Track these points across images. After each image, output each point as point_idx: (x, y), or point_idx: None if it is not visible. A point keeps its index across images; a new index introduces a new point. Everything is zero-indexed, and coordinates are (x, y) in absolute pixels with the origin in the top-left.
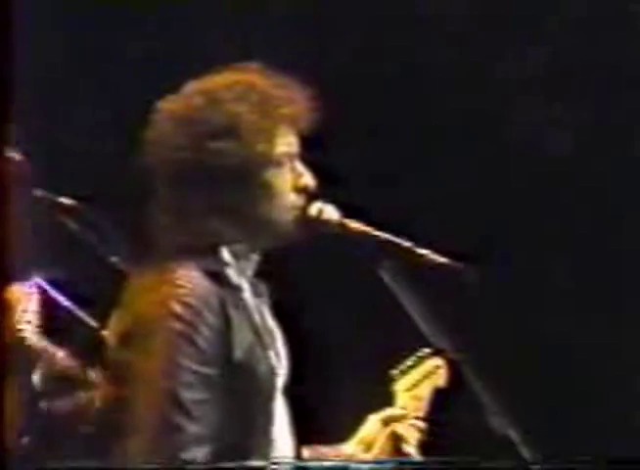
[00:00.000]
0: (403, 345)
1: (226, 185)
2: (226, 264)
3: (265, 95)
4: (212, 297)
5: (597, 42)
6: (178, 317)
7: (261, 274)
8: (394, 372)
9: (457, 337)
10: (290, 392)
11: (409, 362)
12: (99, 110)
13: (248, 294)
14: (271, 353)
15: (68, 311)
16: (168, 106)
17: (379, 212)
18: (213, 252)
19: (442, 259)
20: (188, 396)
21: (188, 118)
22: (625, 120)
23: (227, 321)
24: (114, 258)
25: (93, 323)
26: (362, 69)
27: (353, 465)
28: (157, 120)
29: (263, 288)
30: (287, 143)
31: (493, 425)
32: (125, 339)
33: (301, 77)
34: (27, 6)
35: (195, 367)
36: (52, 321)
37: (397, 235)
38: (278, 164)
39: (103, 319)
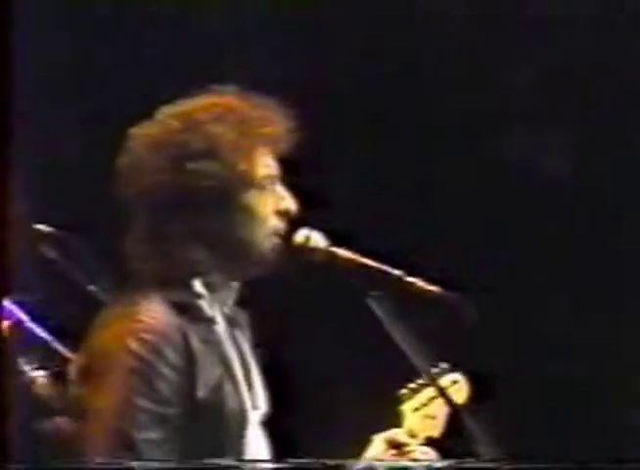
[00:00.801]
0: (393, 377)
1: (205, 209)
2: (198, 296)
3: (243, 115)
4: (174, 332)
5: (603, 44)
6: (134, 354)
7: (242, 303)
8: (402, 392)
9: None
10: (271, 425)
11: (421, 380)
12: (80, 137)
13: (221, 326)
14: (242, 388)
15: (44, 341)
16: (143, 131)
17: (367, 240)
18: (185, 283)
19: (434, 288)
20: (140, 436)
21: (165, 142)
22: (629, 125)
23: (190, 358)
24: (91, 288)
25: (68, 354)
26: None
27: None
28: (131, 147)
29: (244, 317)
30: (267, 164)
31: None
32: (82, 374)
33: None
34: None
35: (149, 406)
36: (26, 351)
37: (387, 263)
38: (259, 186)
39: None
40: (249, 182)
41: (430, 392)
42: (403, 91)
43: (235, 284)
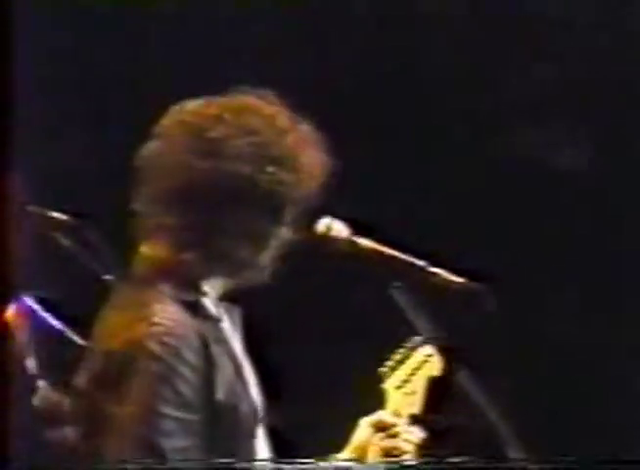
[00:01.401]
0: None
1: (264, 213)
2: (203, 294)
3: (304, 134)
4: (192, 333)
5: (605, 49)
6: (156, 358)
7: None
8: (383, 369)
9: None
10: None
11: (397, 357)
12: (96, 125)
13: (226, 324)
14: (251, 388)
15: (59, 333)
16: (211, 111)
17: (390, 229)
18: (191, 280)
19: (458, 279)
20: (168, 445)
21: (246, 134)
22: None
23: (208, 358)
24: (107, 277)
25: (82, 343)
26: (361, 73)
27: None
28: (195, 123)
29: (236, 313)
30: (312, 190)
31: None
32: (97, 381)
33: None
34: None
35: (175, 413)
36: (41, 344)
37: (410, 253)
38: (300, 206)
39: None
40: (299, 199)
41: (408, 367)
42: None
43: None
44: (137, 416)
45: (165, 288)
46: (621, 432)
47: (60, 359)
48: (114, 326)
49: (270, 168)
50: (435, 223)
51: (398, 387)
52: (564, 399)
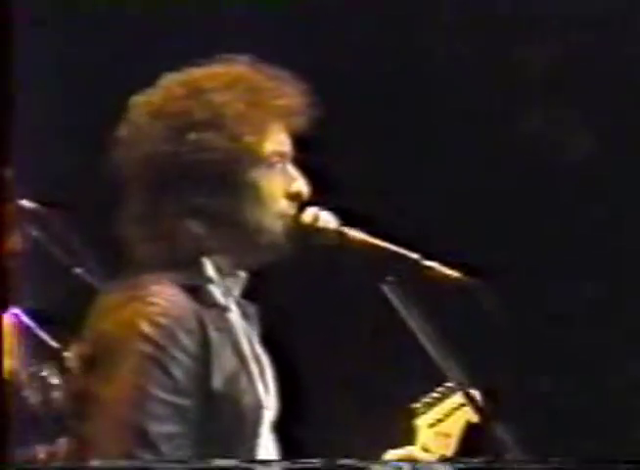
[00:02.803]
0: (413, 374)
1: (208, 185)
2: (209, 280)
3: (255, 85)
4: (189, 316)
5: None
6: (148, 339)
7: (250, 295)
8: (417, 406)
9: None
10: (280, 431)
11: (435, 394)
12: (67, 112)
13: (235, 315)
14: (258, 384)
15: (32, 332)
16: (145, 99)
17: (381, 220)
18: (194, 264)
19: (453, 273)
20: (156, 429)
21: (166, 109)
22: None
23: (206, 344)
24: (78, 270)
25: (54, 344)
26: (364, 67)
27: None
28: (131, 116)
29: (253, 311)
30: (278, 141)
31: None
32: (88, 363)
33: (300, 75)
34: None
35: (166, 397)
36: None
37: (403, 246)
38: (268, 163)
39: (66, 339)
40: (256, 158)
41: (445, 407)
42: (420, 71)
43: (242, 274)
44: (125, 398)
45: (165, 272)
46: (622, 432)
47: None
48: (107, 305)
49: (191, 136)
50: (430, 214)
51: (431, 425)
52: (564, 400)
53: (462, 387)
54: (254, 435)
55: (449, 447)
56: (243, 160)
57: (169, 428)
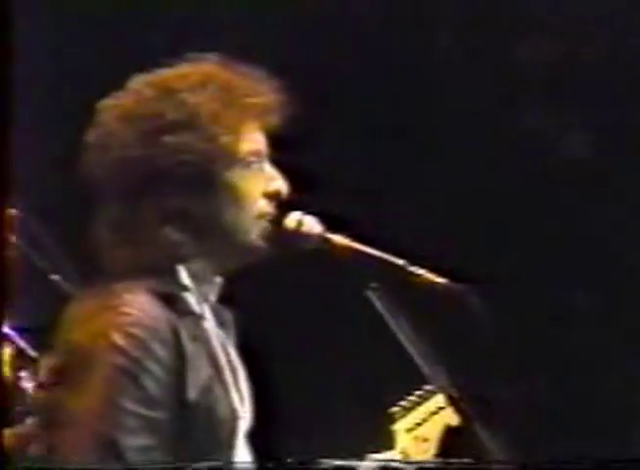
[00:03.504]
0: (397, 379)
1: (185, 188)
2: (184, 288)
3: (227, 84)
4: (163, 326)
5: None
6: (120, 351)
7: (225, 300)
8: (395, 410)
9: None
10: (253, 438)
11: (412, 398)
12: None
13: (210, 323)
14: (233, 394)
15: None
16: (113, 102)
17: (366, 225)
18: (169, 272)
19: (441, 280)
20: (128, 442)
21: (137, 112)
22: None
23: (180, 355)
24: (54, 277)
25: (33, 353)
26: (363, 67)
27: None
28: (100, 120)
29: (228, 316)
30: (253, 139)
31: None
32: (58, 373)
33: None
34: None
35: (138, 410)
36: None
37: (388, 252)
38: (244, 163)
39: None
40: (232, 158)
41: (423, 411)
42: (412, 69)
43: (218, 280)
44: (96, 410)
45: (136, 279)
46: (623, 432)
47: None
48: (78, 315)
49: (166, 138)
50: (416, 218)
51: (409, 430)
52: (564, 400)
53: (443, 389)
54: (230, 446)
55: (428, 452)
56: (219, 160)
57: (141, 441)
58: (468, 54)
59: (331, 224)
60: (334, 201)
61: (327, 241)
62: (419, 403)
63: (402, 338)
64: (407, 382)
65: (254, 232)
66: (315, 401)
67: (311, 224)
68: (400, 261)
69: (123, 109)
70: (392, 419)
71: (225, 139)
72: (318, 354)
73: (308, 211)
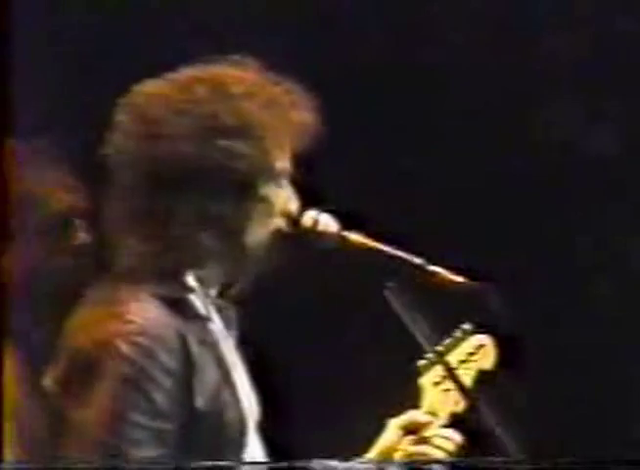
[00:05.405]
0: (413, 379)
1: (226, 194)
2: (190, 290)
3: (274, 96)
4: (170, 333)
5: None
6: (125, 359)
7: (247, 300)
8: (421, 363)
9: None
10: (269, 435)
11: (441, 348)
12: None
13: (216, 324)
14: (241, 394)
15: None
16: (158, 90)
17: (384, 223)
18: (177, 275)
19: (459, 278)
20: (136, 455)
21: (191, 109)
22: None
23: (188, 362)
24: None
25: None
26: (366, 61)
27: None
28: (142, 106)
29: (230, 311)
30: (287, 157)
31: None
32: (62, 383)
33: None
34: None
35: (145, 421)
36: None
37: (406, 250)
38: (277, 179)
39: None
40: (271, 172)
41: (452, 360)
42: (432, 61)
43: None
44: (102, 422)
45: (146, 283)
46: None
47: None
48: (83, 323)
49: (221, 142)
50: (435, 217)
51: (437, 383)
52: (567, 400)
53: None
54: (240, 446)
55: (459, 403)
56: (262, 173)
57: (148, 453)
58: (485, 49)
59: (347, 222)
60: (350, 199)
61: (344, 239)
62: (446, 353)
63: (420, 337)
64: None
65: (268, 248)
66: (328, 400)
67: (327, 223)
68: (418, 260)
69: (171, 100)
70: (418, 373)
71: (273, 153)
72: (334, 354)
73: (324, 210)
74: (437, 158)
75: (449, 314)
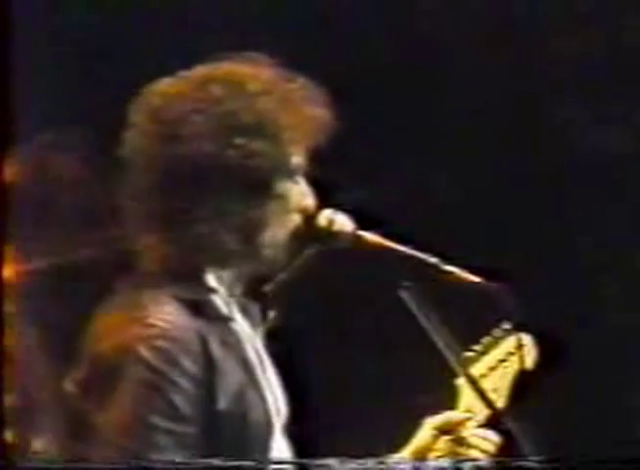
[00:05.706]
0: (431, 379)
1: (245, 192)
2: (212, 291)
3: (289, 93)
4: (191, 336)
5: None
6: (146, 364)
7: (253, 294)
8: (459, 360)
9: None
10: (291, 431)
11: (479, 347)
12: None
13: (239, 324)
14: (266, 394)
15: None
16: (174, 90)
17: (399, 223)
18: (195, 277)
19: (474, 278)
20: (157, 458)
21: (209, 109)
22: None
23: (210, 365)
24: None
25: None
26: (372, 60)
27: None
28: (159, 106)
29: (256, 310)
30: (303, 154)
31: None
32: (83, 388)
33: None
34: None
35: (167, 425)
36: None
37: (421, 250)
38: (293, 176)
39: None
40: (289, 169)
41: (489, 360)
42: (433, 61)
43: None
44: (124, 427)
45: (167, 286)
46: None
47: None
48: (105, 327)
49: (239, 140)
50: (451, 217)
51: (474, 382)
52: (569, 400)
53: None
54: (265, 447)
55: (496, 403)
56: (278, 171)
57: (170, 456)
58: (485, 49)
59: (363, 222)
60: (366, 199)
61: (359, 239)
62: (485, 352)
63: (435, 337)
64: (443, 381)
65: (285, 246)
66: (346, 401)
67: (343, 222)
68: (433, 260)
69: (189, 100)
70: (455, 374)
71: (290, 150)
72: (350, 354)
73: (340, 209)
74: (437, 158)
75: (464, 314)
